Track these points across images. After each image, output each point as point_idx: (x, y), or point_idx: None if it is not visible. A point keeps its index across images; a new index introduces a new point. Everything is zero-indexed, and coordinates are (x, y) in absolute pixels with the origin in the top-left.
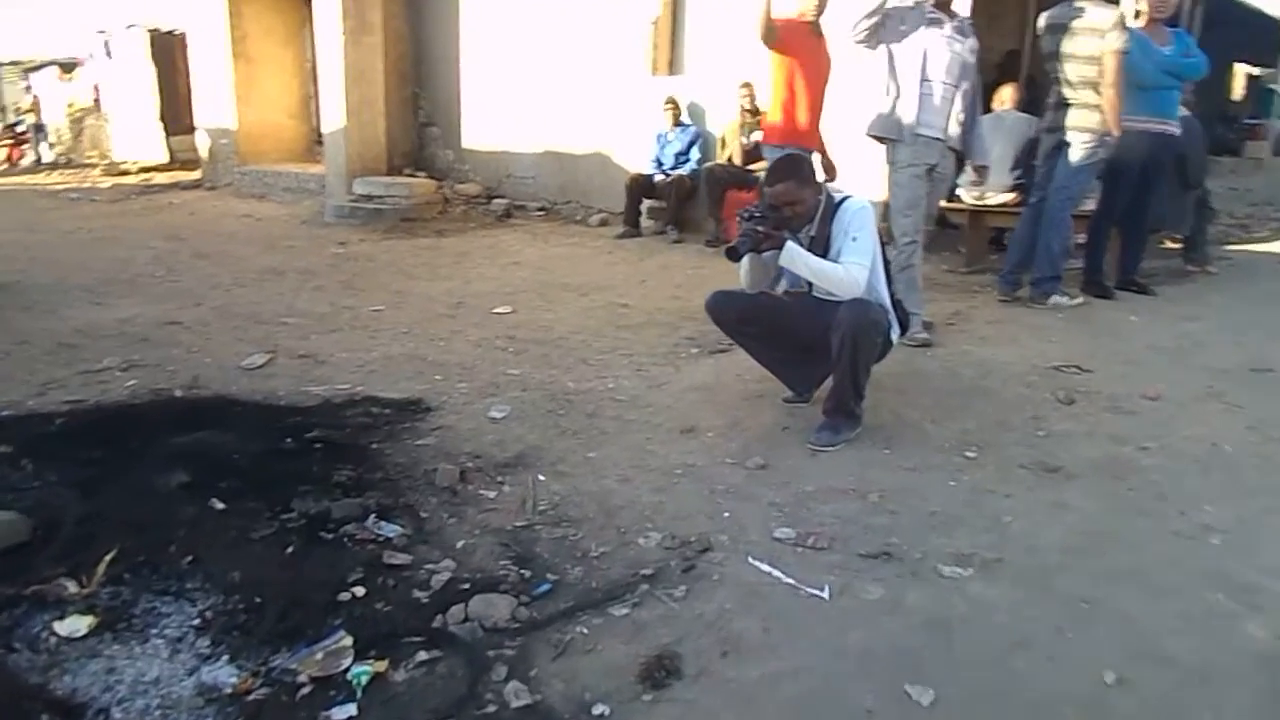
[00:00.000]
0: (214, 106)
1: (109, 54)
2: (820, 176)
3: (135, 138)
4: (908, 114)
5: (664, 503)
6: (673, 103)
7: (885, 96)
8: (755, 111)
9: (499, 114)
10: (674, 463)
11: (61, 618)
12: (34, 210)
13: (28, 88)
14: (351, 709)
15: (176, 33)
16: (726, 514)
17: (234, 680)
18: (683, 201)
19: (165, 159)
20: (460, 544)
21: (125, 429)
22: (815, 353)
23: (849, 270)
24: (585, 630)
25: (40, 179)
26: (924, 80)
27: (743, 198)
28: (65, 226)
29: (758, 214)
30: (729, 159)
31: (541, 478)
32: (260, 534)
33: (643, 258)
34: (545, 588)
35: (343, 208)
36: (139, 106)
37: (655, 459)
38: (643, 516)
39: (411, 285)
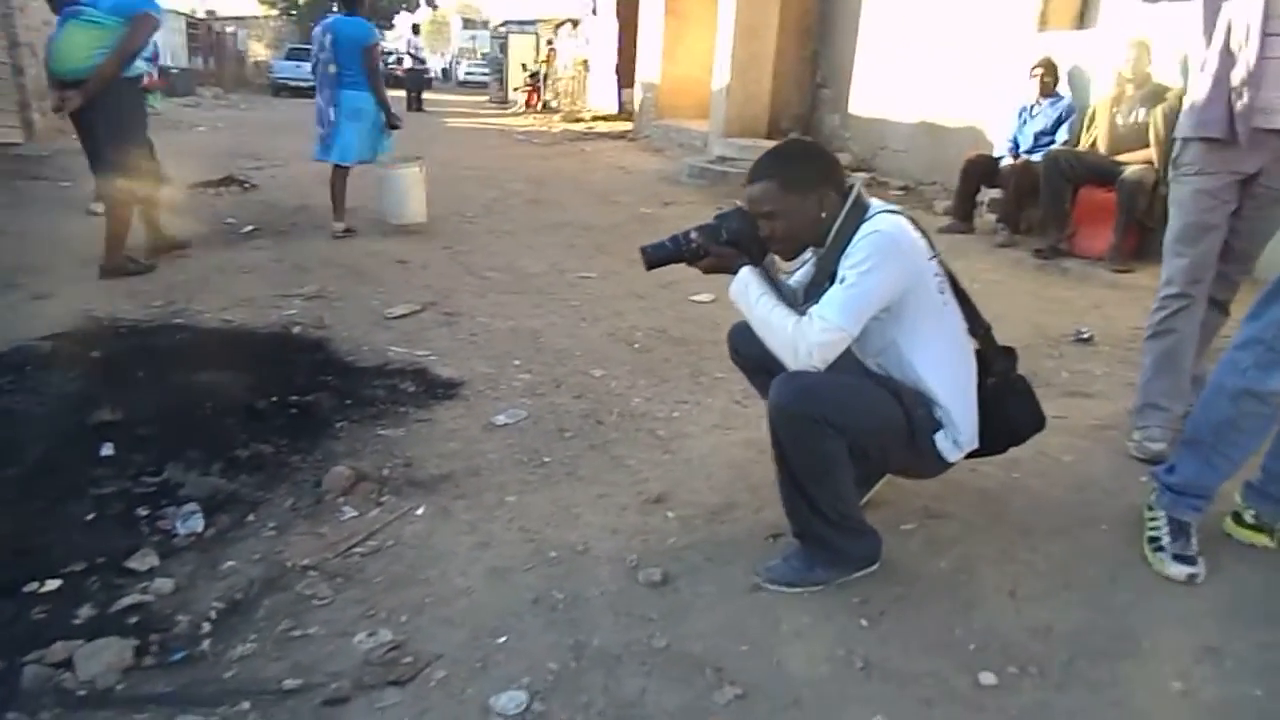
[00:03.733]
0: (648, 61)
1: (594, 11)
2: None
3: (601, 89)
4: (1240, 93)
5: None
6: (1046, 66)
7: (1200, 73)
8: (1143, 81)
9: (884, 76)
10: (567, 540)
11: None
12: (473, 147)
13: (548, 42)
14: None
15: None
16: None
17: None
18: (1023, 195)
19: (615, 110)
20: (228, 564)
21: (207, 352)
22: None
23: (798, 327)
24: None
25: (523, 121)
26: (1268, 35)
27: (1099, 198)
28: (473, 162)
29: (732, 214)
30: (1093, 143)
31: (420, 511)
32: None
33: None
34: (179, 655)
35: (696, 168)
36: (607, 60)
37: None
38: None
39: None
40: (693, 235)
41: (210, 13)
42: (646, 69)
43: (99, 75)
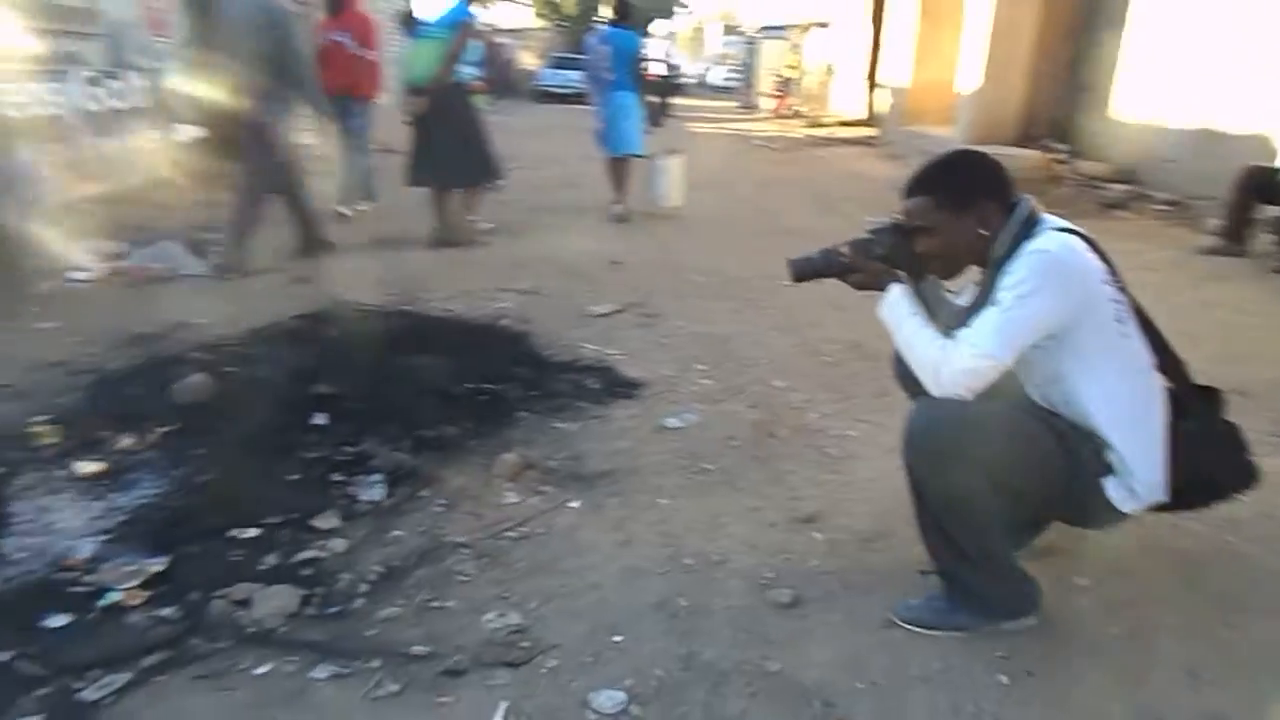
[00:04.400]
0: (896, 64)
1: (842, 15)
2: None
3: (848, 93)
4: None
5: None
6: None
7: None
8: None
9: (1153, 75)
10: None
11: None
12: (708, 151)
13: (796, 46)
14: None
15: None
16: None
17: None
18: None
19: (864, 115)
20: (395, 533)
21: (423, 338)
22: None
23: (944, 350)
24: None
25: (765, 126)
26: None
27: None
28: (704, 166)
29: (886, 229)
30: None
31: (574, 504)
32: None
33: (1193, 287)
34: (334, 610)
35: None
36: (855, 64)
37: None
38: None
39: None
40: (843, 249)
41: (490, 26)
42: (894, 72)
43: (435, 79)
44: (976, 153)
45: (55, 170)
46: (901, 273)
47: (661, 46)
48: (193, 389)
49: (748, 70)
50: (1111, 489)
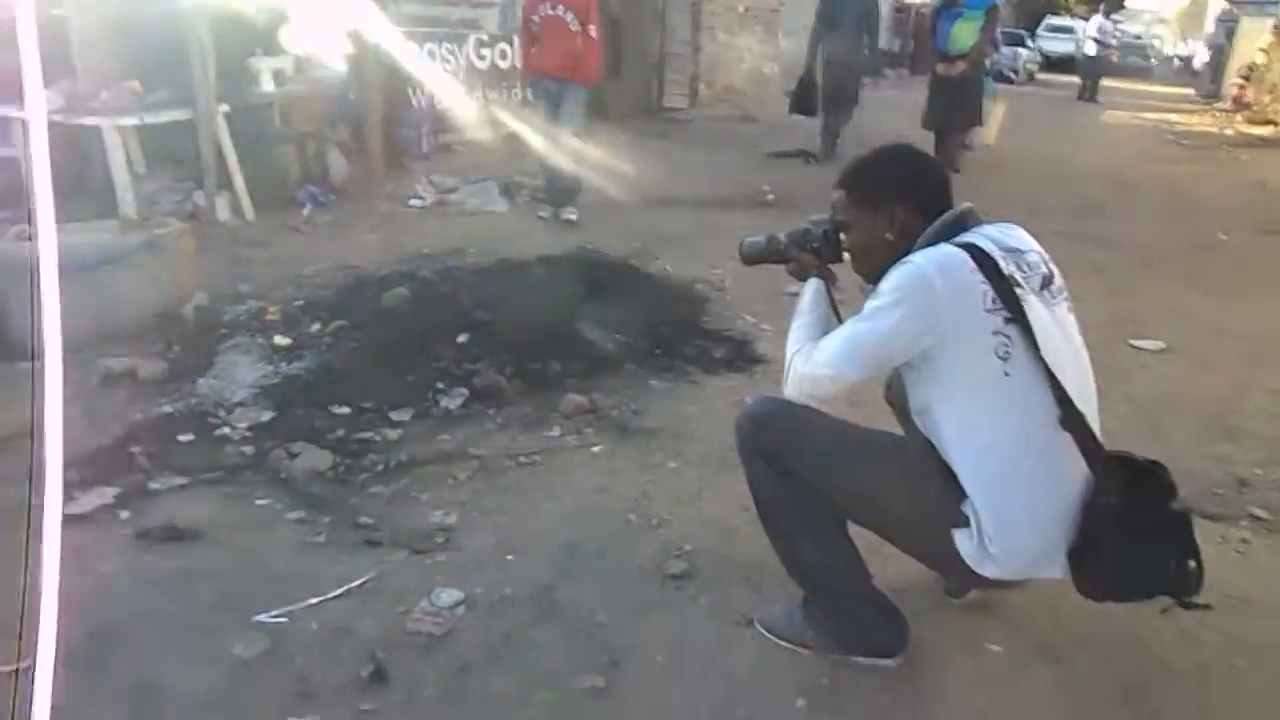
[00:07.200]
0: None
1: None
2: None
3: None
4: None
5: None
6: None
7: None
8: None
9: None
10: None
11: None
12: (1093, 140)
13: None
14: None
15: None
16: None
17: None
18: None
19: None
20: (441, 437)
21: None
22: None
23: (800, 353)
24: None
25: (1195, 119)
26: None
27: None
28: (1070, 155)
29: (822, 221)
30: None
31: (596, 449)
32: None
33: None
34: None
35: None
36: None
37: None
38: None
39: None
40: (780, 237)
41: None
42: None
43: (976, 52)
44: (905, 151)
45: (437, 116)
46: (829, 268)
47: (1094, 24)
48: (393, 298)
49: (1219, 53)
50: (962, 543)
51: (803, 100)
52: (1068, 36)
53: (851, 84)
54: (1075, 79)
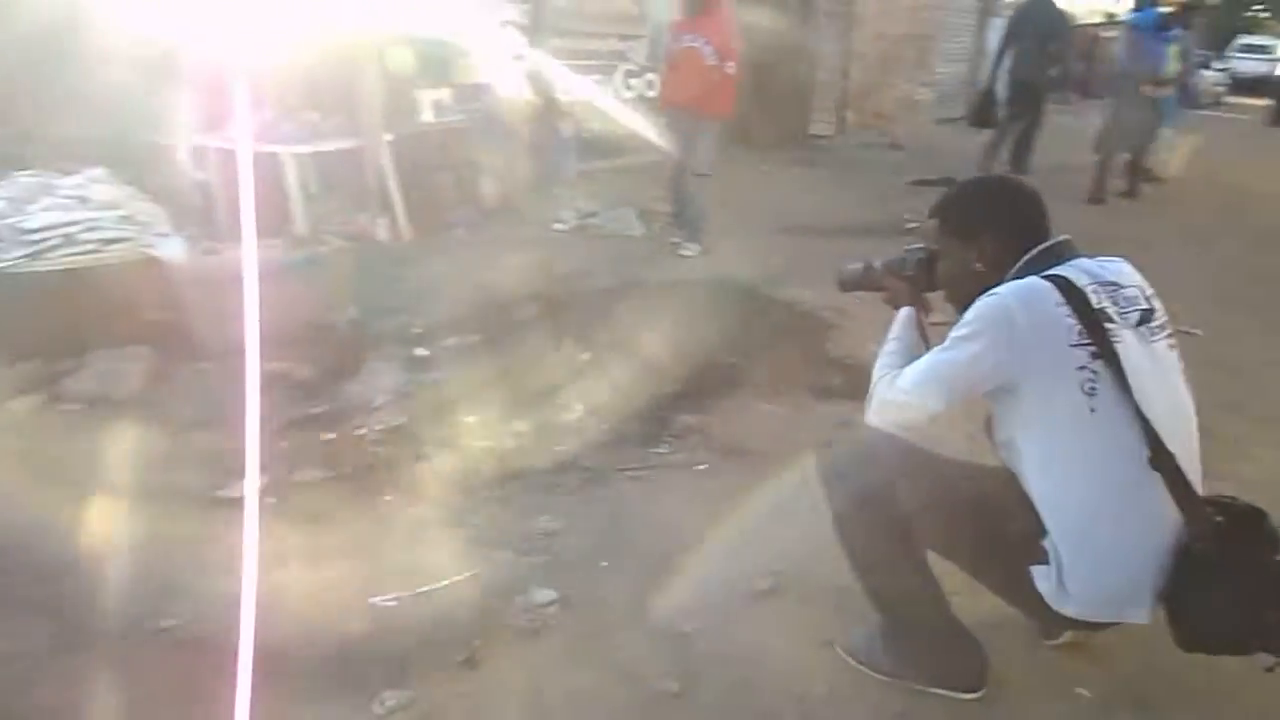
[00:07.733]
0: None
1: None
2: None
3: None
4: None
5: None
6: None
7: None
8: None
9: None
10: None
11: None
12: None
13: None
14: None
15: None
16: None
17: None
18: None
19: None
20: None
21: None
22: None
23: (885, 380)
24: None
25: None
26: None
27: None
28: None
29: (917, 250)
30: None
31: (702, 468)
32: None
33: None
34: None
35: None
36: None
37: None
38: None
39: None
40: (877, 264)
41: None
42: None
43: (1179, 74)
44: (999, 182)
45: (584, 145)
46: (925, 296)
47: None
48: (525, 315)
49: None
50: (1040, 580)
51: (981, 112)
52: (1264, 56)
53: (1029, 102)
54: (1264, 101)
